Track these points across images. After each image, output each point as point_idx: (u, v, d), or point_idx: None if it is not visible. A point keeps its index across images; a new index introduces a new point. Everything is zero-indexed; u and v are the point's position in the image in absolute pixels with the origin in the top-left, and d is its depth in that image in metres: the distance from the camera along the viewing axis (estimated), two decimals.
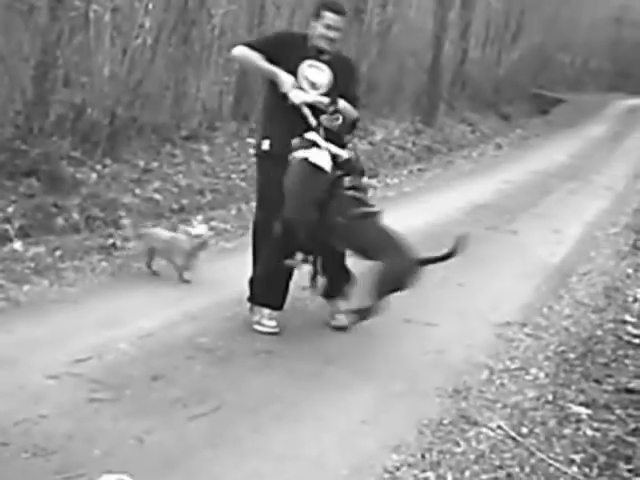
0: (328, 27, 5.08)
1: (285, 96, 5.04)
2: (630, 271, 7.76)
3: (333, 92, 5.12)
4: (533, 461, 3.94)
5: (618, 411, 4.58)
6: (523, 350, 5.47)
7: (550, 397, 4.73)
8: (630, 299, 6.84)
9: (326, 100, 5.07)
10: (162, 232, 6.51)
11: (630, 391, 4.87)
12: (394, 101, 18.28)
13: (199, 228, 6.38)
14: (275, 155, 5.14)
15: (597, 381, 5.01)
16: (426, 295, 6.28)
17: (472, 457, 3.94)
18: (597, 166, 15.27)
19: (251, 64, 5.21)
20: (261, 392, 4.46)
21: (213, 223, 8.07)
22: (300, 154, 4.92)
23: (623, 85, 43.91)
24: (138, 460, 3.62)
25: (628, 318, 6.28)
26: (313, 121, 5.02)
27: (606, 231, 9.59)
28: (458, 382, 4.82)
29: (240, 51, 5.19)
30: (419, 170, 13.96)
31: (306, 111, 5.05)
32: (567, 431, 4.30)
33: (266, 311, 5.42)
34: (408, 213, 9.64)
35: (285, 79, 5.03)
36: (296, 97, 5.03)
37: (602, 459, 4.02)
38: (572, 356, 5.41)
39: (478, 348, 5.45)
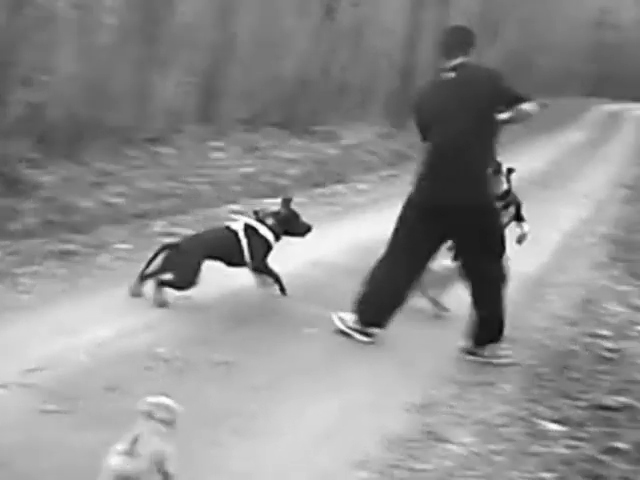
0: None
1: None
2: (606, 283, 7.84)
3: None
4: (499, 479, 3.96)
5: (591, 429, 4.62)
6: (494, 364, 5.50)
7: (521, 413, 4.76)
8: (606, 312, 6.90)
9: None
10: None
11: (604, 408, 4.91)
12: (365, 104, 18.34)
13: (447, 261, 6.29)
14: None
15: (570, 397, 5.05)
16: None
17: (436, 474, 3.95)
18: (575, 173, 15.40)
19: None
20: (220, 405, 4.45)
21: (175, 229, 8.06)
22: None
23: (604, 90, 44.43)
24: (90, 475, 3.59)
25: (603, 332, 6.33)
26: None
27: (583, 241, 9.68)
28: (426, 396, 4.85)
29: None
30: (391, 176, 14.02)
31: None
32: (538, 449, 4.33)
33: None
34: (378, 221, 9.66)
35: None
36: None
37: (572, 477, 4.05)
38: (545, 371, 5.46)
39: (447, 361, 5.50)
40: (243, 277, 6.45)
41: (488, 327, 5.54)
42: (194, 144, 11.77)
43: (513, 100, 5.31)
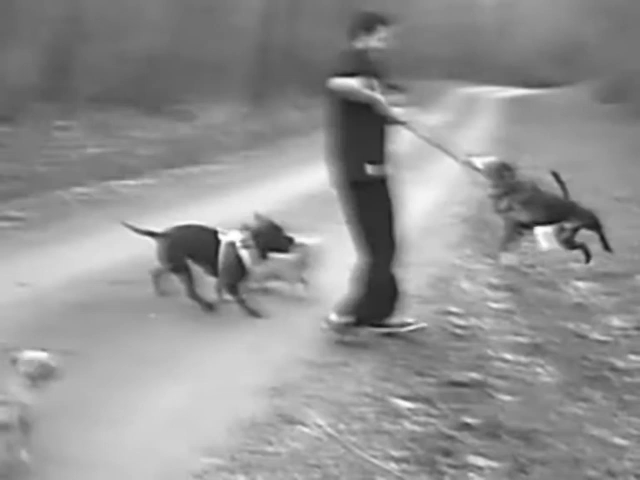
0: (381, 40, 5.50)
1: (381, 118, 5.48)
2: (458, 262, 8.06)
3: None
4: (351, 458, 4.02)
5: (442, 405, 4.74)
6: (345, 343, 5.56)
7: (373, 392, 4.84)
8: (458, 290, 7.10)
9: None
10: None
11: (455, 384, 5.05)
12: (222, 83, 18.22)
13: (308, 239, 6.34)
14: (385, 181, 5.59)
15: (422, 374, 5.16)
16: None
17: (286, 457, 3.97)
18: (431, 155, 15.71)
19: (357, 94, 5.33)
20: (62, 396, 4.31)
21: (14, 213, 7.81)
22: None
23: (463, 72, 45.72)
24: None
25: (455, 309, 6.51)
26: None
27: (437, 221, 9.92)
28: (278, 379, 4.87)
29: (344, 84, 5.30)
30: (247, 157, 14.00)
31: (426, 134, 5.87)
32: (387, 426, 4.41)
33: None
34: (233, 203, 9.66)
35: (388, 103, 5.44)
36: (404, 116, 5.59)
37: (422, 454, 4.14)
38: (397, 349, 5.56)
39: (300, 343, 5.54)
40: (86, 262, 6.30)
41: (358, 308, 5.62)
42: (38, 123, 11.40)
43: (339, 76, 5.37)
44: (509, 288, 7.18)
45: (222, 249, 5.93)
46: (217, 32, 18.24)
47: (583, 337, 6.07)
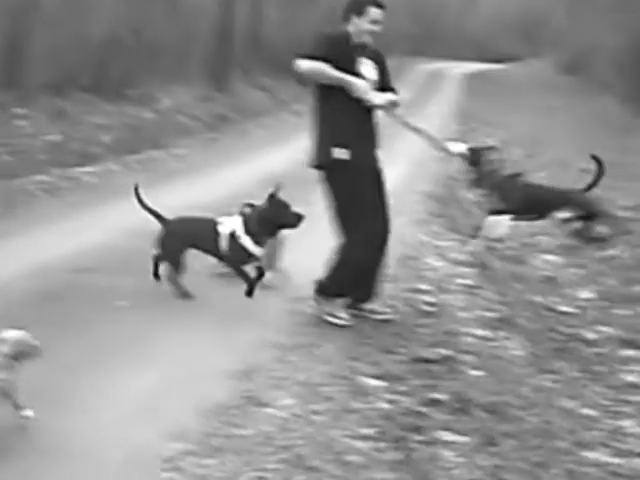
0: (374, 22, 5.53)
1: (359, 101, 5.46)
2: (426, 239, 8.10)
3: (379, 85, 5.67)
4: (320, 438, 4.02)
5: (412, 382, 4.78)
6: (315, 324, 5.59)
7: (342, 371, 4.85)
8: (426, 267, 7.13)
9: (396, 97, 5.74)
10: None
11: (424, 360, 5.09)
12: (183, 66, 18.09)
13: None
14: (356, 165, 5.51)
15: (391, 352, 5.20)
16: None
17: (258, 439, 3.97)
18: (396, 133, 15.73)
19: (323, 75, 5.40)
20: (30, 386, 4.27)
21: None
22: None
23: (425, 49, 45.82)
24: None
25: (423, 286, 6.54)
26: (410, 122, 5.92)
27: (404, 198, 9.93)
28: (246, 362, 4.86)
29: (308, 66, 5.37)
30: (211, 140, 13.92)
31: (398, 113, 5.80)
32: (356, 405, 4.43)
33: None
34: (198, 187, 9.63)
35: (362, 85, 5.43)
36: (380, 99, 5.55)
37: (392, 431, 4.17)
38: (366, 327, 5.58)
39: (268, 325, 5.54)
40: (50, 251, 6.23)
41: (332, 280, 5.66)
42: None
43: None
44: (477, 264, 7.23)
45: (223, 241, 5.83)
46: (178, 13, 18.07)
47: (551, 310, 6.14)
